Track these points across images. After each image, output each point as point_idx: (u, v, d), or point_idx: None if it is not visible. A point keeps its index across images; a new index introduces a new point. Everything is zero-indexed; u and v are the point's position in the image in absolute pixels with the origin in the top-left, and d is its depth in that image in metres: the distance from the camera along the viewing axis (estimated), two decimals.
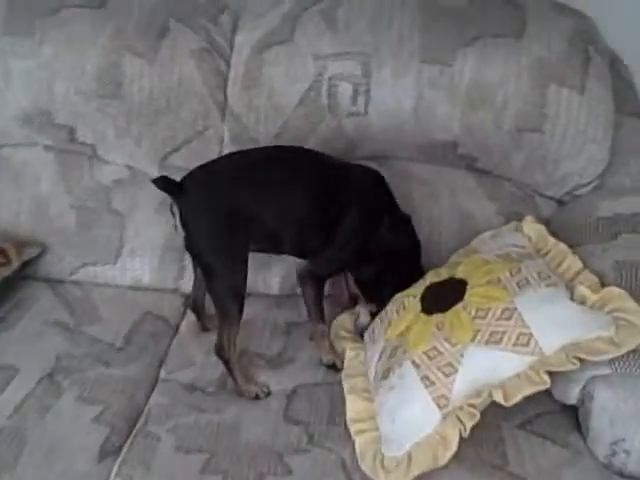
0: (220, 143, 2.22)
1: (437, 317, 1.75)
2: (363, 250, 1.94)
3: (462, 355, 1.66)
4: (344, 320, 2.08)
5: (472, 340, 1.67)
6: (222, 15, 2.24)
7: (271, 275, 2.24)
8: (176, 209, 1.87)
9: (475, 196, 2.20)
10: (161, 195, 2.09)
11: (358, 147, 2.19)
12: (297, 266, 2.00)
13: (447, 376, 1.66)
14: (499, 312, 1.68)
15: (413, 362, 1.71)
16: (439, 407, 1.64)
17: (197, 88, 2.17)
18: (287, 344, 2.06)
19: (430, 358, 1.69)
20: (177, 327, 2.15)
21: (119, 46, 2.15)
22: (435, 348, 1.70)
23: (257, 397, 1.86)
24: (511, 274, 1.76)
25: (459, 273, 1.84)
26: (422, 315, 1.79)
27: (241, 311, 1.86)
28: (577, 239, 1.95)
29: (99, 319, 2.13)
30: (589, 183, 2.15)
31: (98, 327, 2.11)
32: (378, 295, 1.98)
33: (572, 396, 1.69)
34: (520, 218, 2.08)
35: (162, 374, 1.99)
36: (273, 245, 1.96)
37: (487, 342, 1.66)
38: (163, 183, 1.86)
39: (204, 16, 2.22)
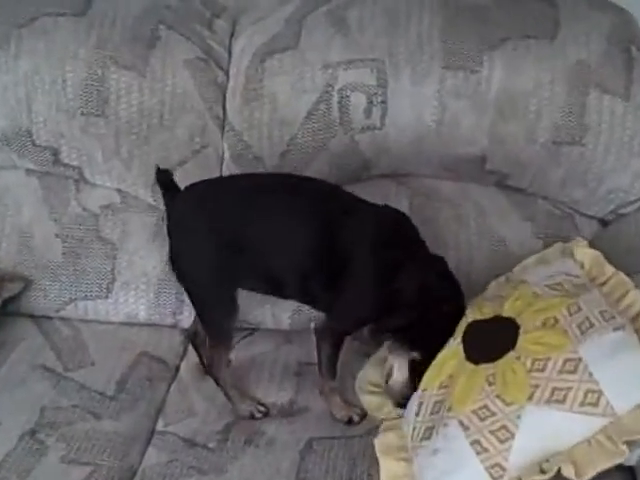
0: (220, 163, 2.00)
1: (486, 368, 1.48)
2: (383, 302, 1.66)
3: (519, 417, 1.39)
4: (371, 373, 1.81)
5: (530, 398, 1.39)
6: (218, 20, 2.05)
7: (281, 308, 2.00)
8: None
9: (507, 217, 1.97)
10: (155, 221, 1.96)
11: (374, 164, 1.96)
12: (315, 320, 1.78)
13: (502, 442, 1.39)
14: (560, 363, 1.41)
15: (461, 423, 1.44)
16: (493, 479, 1.40)
17: (192, 102, 1.97)
18: (300, 388, 1.83)
19: (481, 419, 1.42)
20: (176, 369, 1.92)
21: (104, 57, 1.95)
22: (486, 407, 1.43)
23: (252, 417, 1.72)
24: (569, 313, 1.48)
25: (507, 311, 1.57)
26: (468, 364, 1.52)
27: (229, 332, 1.74)
28: (627, 265, 1.70)
29: (89, 362, 1.92)
30: (636, 200, 1.93)
31: (88, 372, 1.89)
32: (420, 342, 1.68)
33: (632, 458, 1.43)
34: (558, 241, 1.85)
35: (159, 426, 1.75)
36: (271, 286, 1.75)
37: (548, 401, 1.38)
38: (162, 175, 1.74)
39: (198, 21, 2.02)
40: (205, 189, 1.72)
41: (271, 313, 2.00)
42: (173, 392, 1.86)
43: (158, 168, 1.73)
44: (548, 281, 1.64)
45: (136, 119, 1.96)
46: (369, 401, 1.75)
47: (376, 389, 1.77)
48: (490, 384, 1.47)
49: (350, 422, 1.74)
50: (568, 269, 1.69)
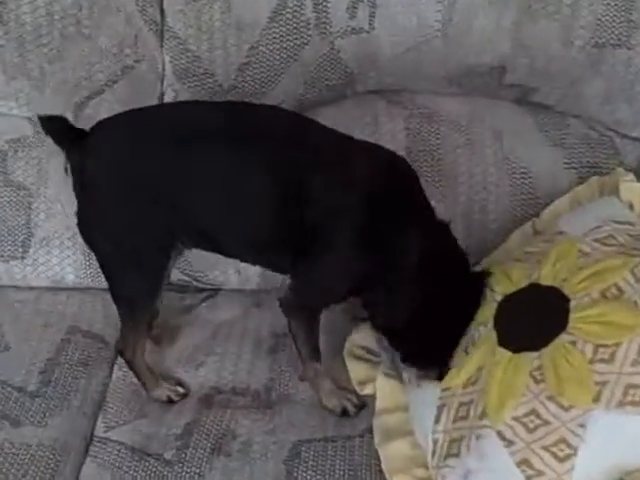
0: (160, 81, 1.70)
1: (529, 358, 1.19)
2: (365, 275, 1.34)
3: (583, 425, 1.11)
4: (364, 336, 1.54)
5: (596, 400, 1.12)
6: None
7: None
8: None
9: (531, 142, 1.70)
10: None
11: (359, 79, 1.68)
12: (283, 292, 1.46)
13: (561, 461, 1.12)
14: (635, 351, 1.13)
15: (500, 435, 1.16)
16: None
17: (122, 1, 1.66)
18: (276, 369, 1.55)
19: (529, 429, 1.14)
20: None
21: None
22: (535, 413, 1.15)
23: (170, 400, 1.50)
24: (636, 278, 1.19)
25: (546, 277, 1.27)
26: (502, 352, 1.23)
27: (150, 310, 1.49)
28: None
29: (2, 345, 1.63)
30: None
31: (2, 359, 1.59)
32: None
33: None
34: (598, 171, 1.62)
35: (99, 430, 1.47)
36: (216, 249, 1.48)
37: (621, 403, 1.10)
38: (52, 125, 1.40)
39: None
40: (121, 128, 1.41)
41: (235, 269, 1.74)
42: (116, 381, 1.58)
43: (43, 117, 1.41)
44: (595, 233, 1.33)
45: (45, 26, 1.67)
46: (357, 369, 1.51)
47: (367, 355, 1.54)
48: (537, 381, 1.18)
49: (345, 414, 1.45)
50: (614, 213, 1.39)
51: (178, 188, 1.34)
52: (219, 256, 1.63)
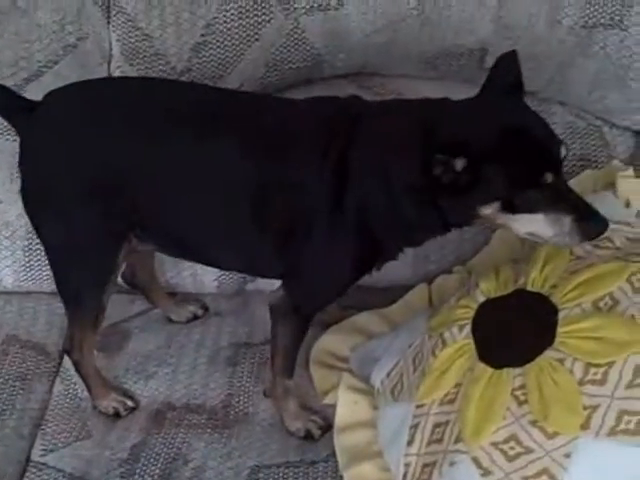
0: (106, 62, 1.57)
1: (512, 376, 1.09)
2: (371, 249, 1.21)
3: (568, 455, 1.00)
4: (331, 341, 1.44)
5: (585, 427, 1.01)
6: None
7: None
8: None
9: None
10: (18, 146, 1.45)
11: (327, 61, 1.57)
12: (270, 294, 1.33)
13: None
14: (630, 372, 1.02)
15: (476, 462, 1.06)
16: None
17: None
18: (235, 384, 1.43)
19: (509, 457, 1.04)
20: (61, 358, 1.51)
21: None
22: (516, 439, 1.05)
23: (117, 414, 1.40)
24: (633, 287, 1.09)
25: (534, 282, 1.18)
26: (483, 368, 1.12)
27: (98, 305, 1.35)
28: None
29: None
30: None
31: None
32: None
33: None
34: (587, 164, 1.54)
35: (35, 454, 1.35)
36: (181, 250, 1.36)
37: (613, 431, 1.00)
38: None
39: None
40: (78, 98, 1.30)
41: (191, 272, 1.64)
42: (57, 396, 1.46)
43: None
44: None
45: None
46: (321, 377, 1.42)
47: (333, 361, 1.44)
48: (520, 402, 1.07)
49: (308, 437, 1.34)
50: (610, 212, 1.23)
51: (137, 172, 1.23)
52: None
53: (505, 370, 1.10)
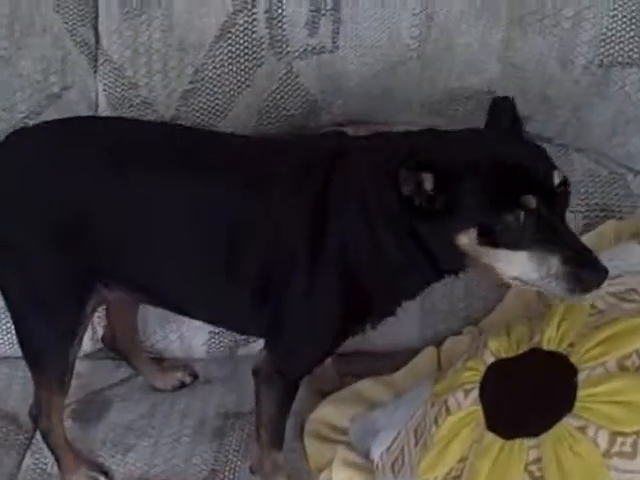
0: (92, 112, 1.53)
1: (525, 447, 0.97)
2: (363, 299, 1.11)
3: None
4: (329, 412, 1.33)
5: None
6: None
7: (193, 326, 1.52)
8: None
9: None
10: None
11: (323, 108, 1.52)
12: (256, 359, 1.22)
13: None
14: None
15: None
16: None
17: (48, 19, 1.50)
18: (221, 458, 1.33)
19: None
20: (34, 431, 1.41)
21: None
22: None
23: None
24: None
25: (550, 340, 1.06)
26: (492, 438, 1.01)
27: (64, 364, 1.26)
28: None
29: None
30: None
31: None
32: None
33: None
34: (610, 215, 1.46)
35: None
36: (153, 299, 1.27)
37: None
38: None
39: None
40: (40, 137, 1.25)
41: (178, 335, 1.56)
42: (25, 471, 1.37)
43: None
44: (612, 286, 1.10)
45: None
46: (316, 451, 1.30)
47: (330, 433, 1.34)
48: (535, 478, 0.95)
49: None
50: (636, 263, 1.18)
51: (102, 213, 1.15)
52: (160, 318, 1.50)
53: (517, 441, 0.98)
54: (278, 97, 1.49)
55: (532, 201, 0.94)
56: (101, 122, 1.34)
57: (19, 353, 1.46)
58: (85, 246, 1.15)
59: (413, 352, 1.43)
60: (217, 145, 1.20)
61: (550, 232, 0.95)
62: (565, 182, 0.98)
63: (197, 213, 1.12)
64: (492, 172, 0.96)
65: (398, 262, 1.04)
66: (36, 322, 1.20)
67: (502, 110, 1.08)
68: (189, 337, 1.52)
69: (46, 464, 1.35)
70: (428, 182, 0.97)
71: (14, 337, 1.47)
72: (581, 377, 0.98)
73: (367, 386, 1.37)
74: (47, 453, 1.34)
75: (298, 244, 1.07)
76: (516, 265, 0.96)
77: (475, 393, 1.06)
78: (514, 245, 0.95)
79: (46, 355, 1.23)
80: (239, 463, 1.30)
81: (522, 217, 0.94)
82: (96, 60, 1.52)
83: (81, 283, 1.19)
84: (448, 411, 1.07)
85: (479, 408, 1.04)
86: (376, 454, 1.20)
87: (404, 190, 0.98)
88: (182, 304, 1.23)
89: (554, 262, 0.94)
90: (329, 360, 1.43)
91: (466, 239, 0.96)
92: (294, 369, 1.17)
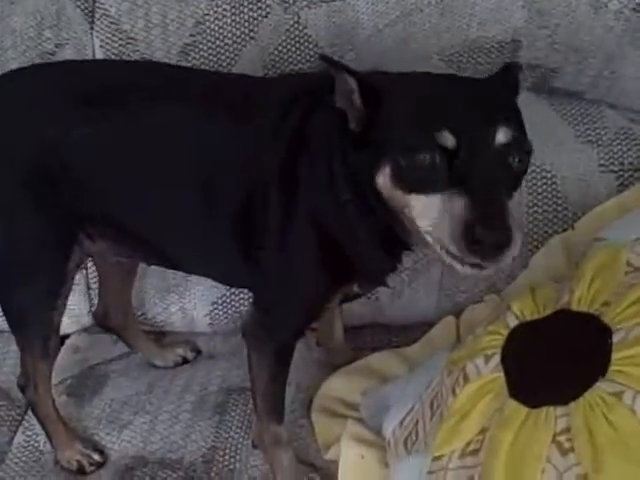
0: None
1: (552, 417, 0.88)
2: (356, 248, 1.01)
3: None
4: (339, 386, 1.25)
5: None
6: None
7: (195, 297, 1.43)
8: None
9: (557, 139, 1.40)
10: None
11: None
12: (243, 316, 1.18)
13: None
14: None
15: None
16: None
17: None
18: (222, 434, 1.24)
19: None
20: (27, 407, 1.34)
21: None
22: None
23: (82, 471, 1.24)
24: None
25: (581, 300, 0.97)
26: (516, 406, 0.92)
27: (48, 326, 1.19)
28: None
29: None
30: None
31: None
32: None
33: None
34: None
35: None
36: (140, 253, 1.20)
37: None
38: None
39: None
40: (10, 85, 1.17)
41: (179, 306, 1.47)
42: (16, 448, 1.29)
43: None
44: None
45: None
46: (323, 427, 1.21)
47: (340, 408, 1.25)
48: (564, 450, 0.86)
49: None
50: None
51: (81, 153, 1.07)
52: (160, 289, 1.42)
53: (544, 409, 0.89)
54: (284, 50, 1.41)
55: (449, 139, 0.83)
56: (77, 64, 1.28)
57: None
58: (64, 192, 1.08)
59: (430, 325, 1.33)
60: (203, 77, 1.15)
61: (467, 181, 0.82)
62: (515, 144, 0.85)
63: (177, 148, 1.05)
64: (414, 103, 0.88)
65: (347, 199, 0.95)
66: (17, 281, 1.13)
67: (510, 75, 0.98)
68: (190, 308, 1.44)
69: (38, 441, 1.28)
70: (355, 93, 0.89)
71: None
72: (616, 338, 0.89)
73: (380, 359, 1.29)
74: (40, 430, 1.27)
75: (273, 189, 0.99)
76: (426, 212, 0.84)
77: (497, 359, 0.97)
78: (426, 190, 0.84)
79: (28, 317, 1.16)
80: (241, 440, 1.22)
81: (437, 158, 0.83)
82: (93, 14, 1.44)
83: (63, 233, 1.12)
84: (466, 379, 0.98)
85: (501, 375, 0.95)
86: (388, 430, 1.11)
87: (337, 99, 0.91)
88: (168, 251, 1.15)
89: (454, 206, 0.81)
90: (341, 332, 1.36)
91: (382, 179, 0.88)
92: (279, 325, 1.09)
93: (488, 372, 0.97)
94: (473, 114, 0.86)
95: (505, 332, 0.99)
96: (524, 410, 0.90)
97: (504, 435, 0.89)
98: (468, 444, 0.93)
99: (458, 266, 0.83)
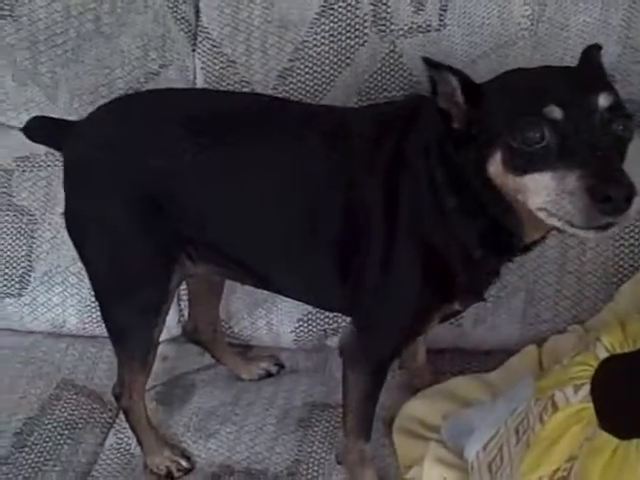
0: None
1: None
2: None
3: None
4: (420, 408, 1.26)
5: None
6: None
7: (282, 314, 1.46)
8: None
9: None
10: None
11: (427, 89, 1.39)
12: (341, 334, 1.18)
13: None
14: None
15: None
16: None
17: None
18: (305, 449, 1.26)
19: None
20: (119, 410, 1.37)
21: None
22: None
23: (170, 475, 1.27)
24: None
25: None
26: (606, 438, 0.91)
27: (148, 341, 1.23)
28: None
29: None
30: None
31: None
32: None
33: None
34: None
35: None
36: (239, 273, 1.21)
37: None
38: (38, 126, 1.24)
39: None
40: (117, 114, 1.21)
41: (266, 321, 1.49)
42: (108, 449, 1.33)
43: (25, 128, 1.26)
44: None
45: (61, 23, 1.48)
46: (404, 447, 1.23)
47: (420, 429, 1.25)
48: None
49: None
50: None
51: (187, 182, 1.11)
52: (248, 304, 1.46)
53: (635, 442, 0.88)
54: (379, 77, 1.41)
55: (556, 111, 0.85)
56: (184, 93, 1.31)
57: (105, 333, 1.47)
58: (170, 217, 1.12)
59: (510, 353, 1.33)
60: (296, 111, 1.16)
61: (578, 149, 0.84)
62: (617, 108, 0.88)
63: (278, 177, 1.08)
64: (516, 88, 0.91)
65: (453, 207, 0.97)
66: (121, 298, 1.17)
67: (593, 58, 1.01)
68: (277, 324, 1.46)
69: (129, 444, 1.32)
70: (457, 91, 0.92)
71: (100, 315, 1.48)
72: None
73: (461, 384, 1.29)
74: (130, 433, 1.30)
75: (374, 209, 1.01)
76: (541, 190, 0.86)
77: (586, 389, 0.96)
78: (539, 168, 0.85)
79: (130, 333, 1.20)
80: (324, 455, 1.24)
81: (547, 133, 0.85)
82: (195, 37, 1.48)
83: (166, 254, 1.15)
84: (555, 407, 0.98)
85: (590, 405, 0.94)
86: (471, 453, 1.11)
87: (439, 100, 0.93)
88: (266, 275, 1.18)
89: (571, 178, 0.83)
90: (423, 356, 1.37)
91: (493, 167, 0.90)
92: (379, 345, 1.11)
93: (577, 402, 0.96)
94: (574, 86, 0.89)
95: (594, 364, 0.99)
96: (614, 441, 0.90)
97: (594, 464, 0.89)
98: (556, 471, 0.93)
99: (582, 233, 0.85)
